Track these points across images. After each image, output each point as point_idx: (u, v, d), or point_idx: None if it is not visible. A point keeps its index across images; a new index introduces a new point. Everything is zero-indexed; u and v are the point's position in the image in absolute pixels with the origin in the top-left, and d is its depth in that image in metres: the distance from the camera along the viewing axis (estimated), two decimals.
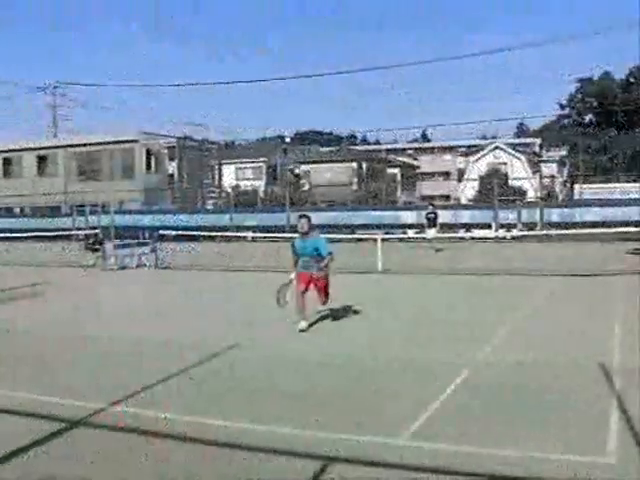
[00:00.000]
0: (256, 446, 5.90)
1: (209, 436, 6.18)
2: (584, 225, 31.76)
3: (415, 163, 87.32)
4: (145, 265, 24.63)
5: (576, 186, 54.98)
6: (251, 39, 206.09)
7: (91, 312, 14.15)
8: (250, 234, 38.33)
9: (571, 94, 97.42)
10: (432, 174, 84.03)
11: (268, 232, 35.41)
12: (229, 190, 54.80)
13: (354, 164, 68.18)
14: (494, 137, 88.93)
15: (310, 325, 11.55)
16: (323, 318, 12.09)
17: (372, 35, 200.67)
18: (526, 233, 34.57)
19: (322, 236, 12.42)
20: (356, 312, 12.89)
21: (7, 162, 57.96)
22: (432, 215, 30.54)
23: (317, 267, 11.70)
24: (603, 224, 30.66)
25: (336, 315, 12.46)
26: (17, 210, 55.88)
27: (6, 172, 57.80)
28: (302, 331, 11.24)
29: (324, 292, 12.07)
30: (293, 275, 11.84)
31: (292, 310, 11.45)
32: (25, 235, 37.41)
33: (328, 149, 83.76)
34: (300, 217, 12.23)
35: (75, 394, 7.55)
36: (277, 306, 11.60)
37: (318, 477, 5.22)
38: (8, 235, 37.08)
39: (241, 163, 71.59)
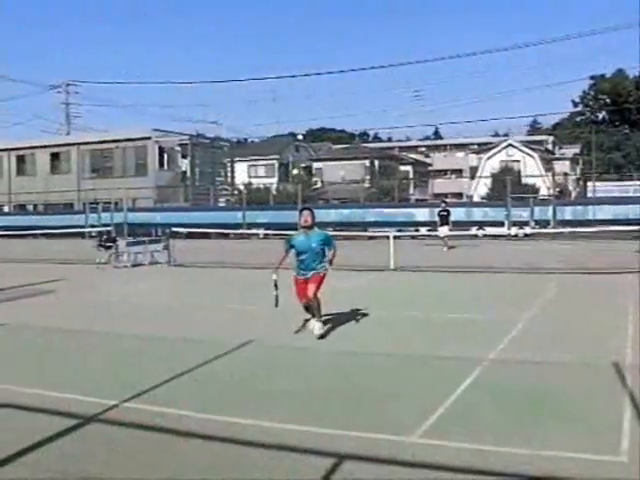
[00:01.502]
0: (269, 443, 5.91)
1: (223, 433, 6.19)
2: (597, 223, 31.63)
3: (427, 160, 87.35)
4: (158, 262, 24.70)
5: (589, 184, 54.82)
6: (263, 35, 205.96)
7: (104, 309, 14.18)
8: (262, 231, 38.39)
9: (584, 91, 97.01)
10: (444, 171, 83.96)
11: (280, 229, 35.38)
12: (241, 188, 54.88)
13: (366, 162, 68.27)
14: (507, 134, 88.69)
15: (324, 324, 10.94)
16: (335, 316, 12.02)
17: (382, 33, 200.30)
18: (539, 231, 34.49)
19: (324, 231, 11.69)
20: (368, 310, 12.85)
21: (21, 160, 58.30)
22: (444, 213, 30.48)
23: (321, 265, 10.81)
24: (616, 222, 30.50)
25: (347, 313, 12.43)
26: (30, 207, 56.19)
27: (20, 170, 58.13)
28: (322, 337, 10.50)
29: (316, 284, 10.71)
30: (275, 276, 10.92)
31: (291, 313, 11.38)
32: (38, 232, 37.59)
33: (340, 146, 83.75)
34: (303, 210, 11.38)
35: (87, 390, 7.57)
36: (275, 308, 11.08)
37: (331, 474, 5.23)
38: (21, 232, 37.29)
39: (253, 160, 71.70)
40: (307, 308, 10.96)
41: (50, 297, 16.13)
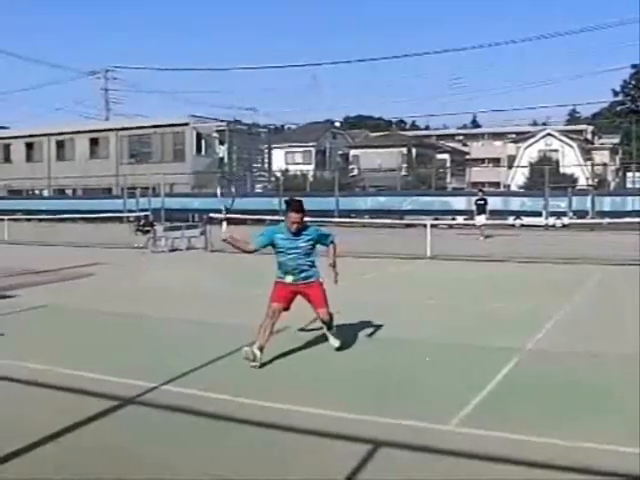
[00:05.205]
0: (306, 428, 5.95)
1: (258, 418, 6.23)
2: (636, 214, 31.24)
3: (465, 149, 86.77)
4: (195, 248, 24.86)
5: (629, 174, 54.20)
6: (302, 21, 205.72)
7: (141, 292, 14.31)
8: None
9: (625, 80, 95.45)
10: (482, 160, 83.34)
11: (316, 217, 35.30)
12: (278, 174, 54.98)
13: (403, 149, 68.01)
14: (545, 124, 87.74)
15: (263, 355, 8.14)
16: (372, 304, 12.00)
17: (417, 21, 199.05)
18: (577, 221, 34.13)
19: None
20: (405, 298, 12.84)
21: (60, 145, 59.01)
22: (482, 202, 30.32)
23: (312, 265, 8.61)
24: None
25: (385, 301, 12.42)
26: (69, 192, 56.85)
27: (59, 155, 58.85)
28: (247, 358, 7.98)
29: (324, 302, 8.63)
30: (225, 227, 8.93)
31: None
32: (77, 216, 37.94)
33: (377, 134, 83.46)
34: (290, 204, 8.33)
35: (125, 372, 7.65)
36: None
37: (367, 460, 5.24)
38: (60, 216, 37.68)
39: (290, 147, 71.73)
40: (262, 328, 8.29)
41: (89, 280, 16.32)
